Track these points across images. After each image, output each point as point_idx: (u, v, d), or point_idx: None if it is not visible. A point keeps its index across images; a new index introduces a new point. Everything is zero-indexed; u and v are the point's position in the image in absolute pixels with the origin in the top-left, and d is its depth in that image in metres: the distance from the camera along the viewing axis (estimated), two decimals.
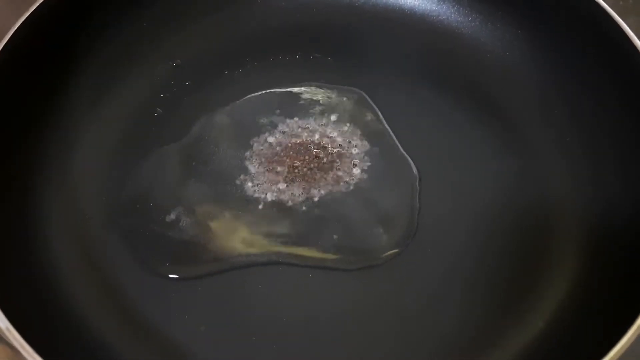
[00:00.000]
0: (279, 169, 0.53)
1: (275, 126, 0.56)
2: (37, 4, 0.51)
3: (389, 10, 0.61)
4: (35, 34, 0.51)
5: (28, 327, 0.40)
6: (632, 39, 0.49)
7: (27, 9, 0.51)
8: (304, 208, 0.52)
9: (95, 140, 0.54)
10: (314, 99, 0.57)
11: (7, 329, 0.39)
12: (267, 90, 0.57)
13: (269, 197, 0.52)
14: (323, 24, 0.61)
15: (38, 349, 0.39)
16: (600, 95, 0.53)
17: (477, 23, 0.59)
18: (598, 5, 0.51)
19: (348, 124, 0.56)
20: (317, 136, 0.55)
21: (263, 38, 0.60)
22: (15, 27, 0.50)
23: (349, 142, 0.55)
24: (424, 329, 0.47)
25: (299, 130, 0.55)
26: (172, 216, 0.51)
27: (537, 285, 0.48)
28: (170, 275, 0.48)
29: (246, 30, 0.61)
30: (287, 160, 0.54)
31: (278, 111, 0.56)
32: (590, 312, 0.45)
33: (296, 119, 0.56)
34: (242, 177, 0.53)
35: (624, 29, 0.50)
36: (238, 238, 0.50)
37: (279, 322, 0.47)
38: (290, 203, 0.52)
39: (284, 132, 0.55)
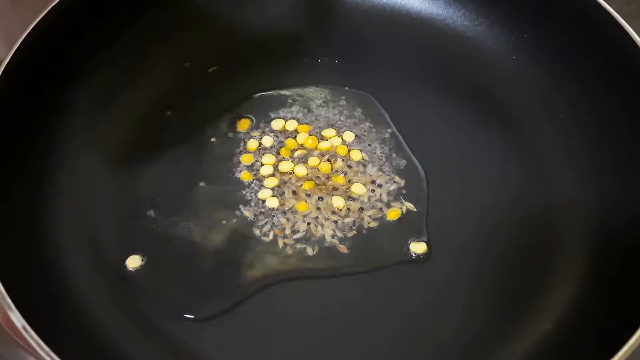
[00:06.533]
0: (286, 173, 0.54)
1: (282, 129, 0.56)
2: (47, 10, 0.51)
3: (395, 14, 0.61)
4: (46, 37, 0.52)
5: (44, 326, 0.40)
6: (637, 43, 0.50)
7: (36, 16, 0.51)
8: (310, 213, 0.52)
9: (104, 143, 0.54)
10: (322, 101, 0.57)
11: (24, 327, 0.39)
12: (275, 93, 0.58)
13: (276, 202, 0.52)
14: (330, 27, 0.61)
15: (54, 347, 0.39)
16: (605, 99, 0.53)
17: (484, 27, 0.59)
18: (604, 10, 0.52)
19: (355, 127, 0.56)
20: (324, 139, 0.55)
21: (271, 41, 0.60)
22: (26, 33, 0.50)
23: (357, 144, 0.55)
24: (430, 331, 0.47)
25: (306, 133, 0.56)
26: (180, 220, 0.51)
27: (544, 287, 0.48)
28: (188, 316, 0.48)
29: (254, 33, 0.61)
30: (294, 164, 0.54)
31: (285, 114, 0.57)
32: (598, 313, 0.45)
33: (303, 121, 0.56)
34: (248, 181, 0.53)
35: (630, 33, 0.50)
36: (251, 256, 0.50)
37: (287, 324, 0.47)
38: (297, 207, 0.52)
39: (290, 135, 0.56)
